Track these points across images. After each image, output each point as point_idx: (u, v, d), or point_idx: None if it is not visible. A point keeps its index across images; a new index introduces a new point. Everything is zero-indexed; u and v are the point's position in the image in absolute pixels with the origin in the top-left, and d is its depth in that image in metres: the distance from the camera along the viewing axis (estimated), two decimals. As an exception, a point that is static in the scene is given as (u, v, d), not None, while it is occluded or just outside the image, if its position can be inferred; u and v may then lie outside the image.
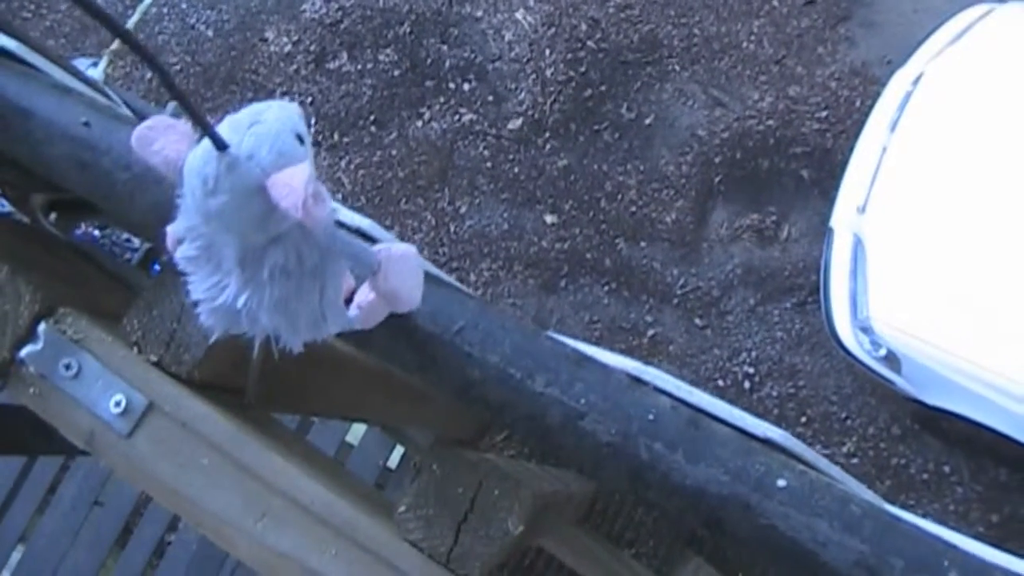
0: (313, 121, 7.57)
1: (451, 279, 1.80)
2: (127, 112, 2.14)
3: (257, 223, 1.30)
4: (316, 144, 7.50)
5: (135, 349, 1.82)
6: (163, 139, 1.30)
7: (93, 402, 1.78)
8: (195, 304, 1.43)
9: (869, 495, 1.64)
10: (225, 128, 1.28)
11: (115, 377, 1.78)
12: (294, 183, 1.22)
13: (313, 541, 1.71)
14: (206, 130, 1.24)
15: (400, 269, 1.48)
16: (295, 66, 7.77)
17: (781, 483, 1.49)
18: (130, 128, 1.35)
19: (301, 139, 1.32)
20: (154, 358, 1.80)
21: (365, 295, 1.57)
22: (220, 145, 1.25)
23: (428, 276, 1.66)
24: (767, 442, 1.57)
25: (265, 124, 1.29)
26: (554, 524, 2.52)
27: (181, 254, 1.40)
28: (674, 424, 1.54)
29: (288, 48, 7.82)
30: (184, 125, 1.30)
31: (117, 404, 1.77)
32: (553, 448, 1.61)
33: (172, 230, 1.39)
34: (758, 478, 1.50)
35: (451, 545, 1.71)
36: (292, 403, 2.48)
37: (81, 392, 1.79)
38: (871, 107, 6.08)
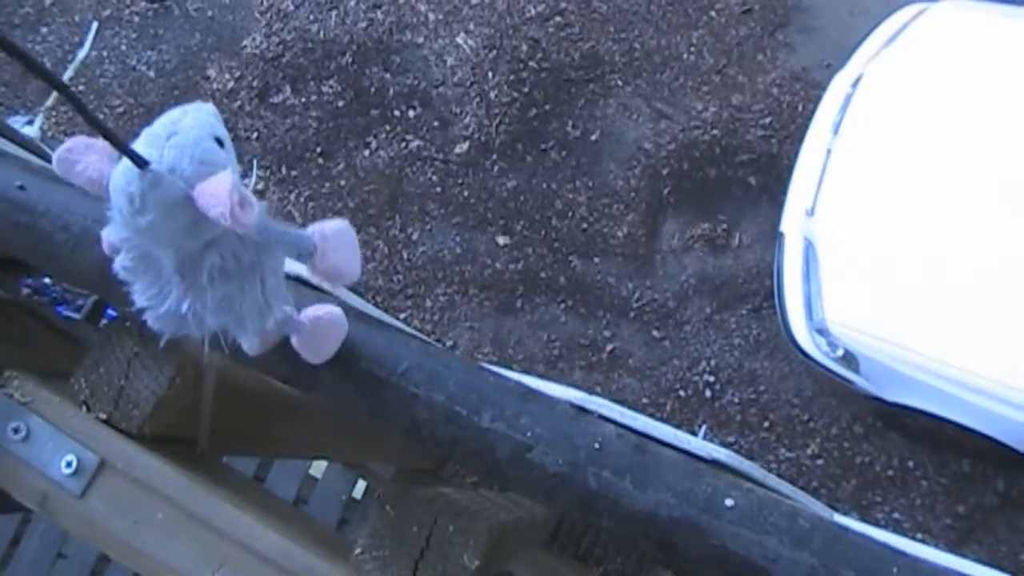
0: (259, 157, 7.56)
1: (393, 320, 1.81)
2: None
3: (188, 233, 1.31)
4: (264, 179, 7.49)
5: (84, 408, 1.82)
6: (84, 160, 1.30)
7: (44, 463, 1.78)
8: (139, 312, 1.43)
9: (819, 507, 1.66)
10: (143, 143, 1.28)
11: (65, 437, 1.78)
12: (219, 193, 1.23)
13: (273, 589, 1.71)
14: (123, 151, 1.24)
15: (337, 245, 1.48)
16: (239, 102, 7.75)
17: (729, 502, 1.51)
18: (66, 189, 1.34)
19: (220, 142, 1.33)
20: (103, 415, 1.80)
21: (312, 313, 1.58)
22: (140, 163, 1.25)
23: (371, 319, 1.67)
24: (713, 463, 1.59)
25: (182, 133, 1.29)
26: (517, 551, 2.53)
27: (119, 264, 1.40)
28: (620, 451, 1.55)
29: (231, 84, 7.80)
30: (103, 142, 1.29)
31: (68, 464, 1.76)
32: (504, 481, 1.62)
33: (106, 236, 1.39)
34: (706, 499, 1.52)
35: (409, 584, 1.72)
36: (248, 447, 2.49)
37: (32, 454, 1.78)
38: (813, 111, 6.15)
